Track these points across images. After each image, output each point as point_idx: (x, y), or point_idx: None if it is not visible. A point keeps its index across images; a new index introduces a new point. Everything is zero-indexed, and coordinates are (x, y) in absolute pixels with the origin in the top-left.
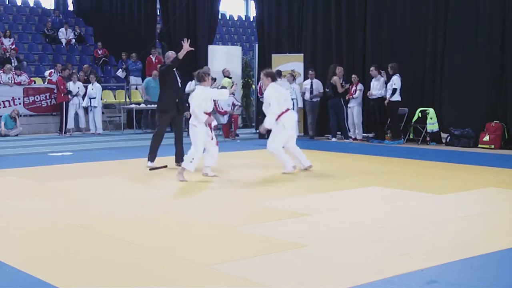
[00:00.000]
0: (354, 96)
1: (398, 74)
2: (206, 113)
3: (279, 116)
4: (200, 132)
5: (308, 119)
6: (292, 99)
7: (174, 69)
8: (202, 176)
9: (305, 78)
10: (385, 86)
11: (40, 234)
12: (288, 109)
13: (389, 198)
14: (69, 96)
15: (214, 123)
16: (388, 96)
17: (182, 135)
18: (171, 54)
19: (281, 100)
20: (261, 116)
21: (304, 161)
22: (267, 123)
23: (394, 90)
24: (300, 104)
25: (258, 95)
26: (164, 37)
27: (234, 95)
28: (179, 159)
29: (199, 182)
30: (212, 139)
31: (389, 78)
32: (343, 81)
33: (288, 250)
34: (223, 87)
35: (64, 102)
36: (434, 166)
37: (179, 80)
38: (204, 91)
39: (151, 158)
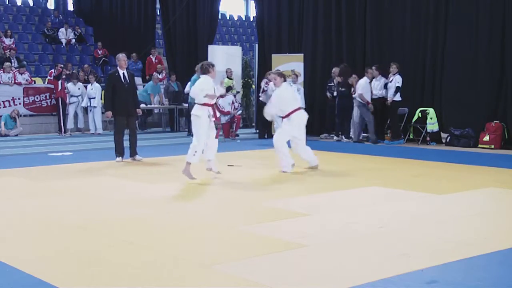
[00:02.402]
0: (353, 96)
1: (399, 74)
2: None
3: (289, 114)
4: (203, 124)
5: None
6: None
7: (120, 72)
8: (206, 171)
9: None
10: (385, 87)
11: (40, 234)
12: (299, 108)
13: (389, 198)
14: (68, 97)
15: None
16: (390, 95)
17: (135, 133)
18: (121, 56)
19: (292, 99)
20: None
21: (312, 161)
22: (268, 110)
23: (397, 89)
24: (303, 105)
25: (259, 95)
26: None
27: (235, 96)
28: (133, 154)
29: (199, 182)
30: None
31: (387, 77)
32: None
33: (288, 250)
34: None
35: (60, 98)
36: (434, 166)
37: (124, 82)
38: (208, 80)
39: (119, 154)
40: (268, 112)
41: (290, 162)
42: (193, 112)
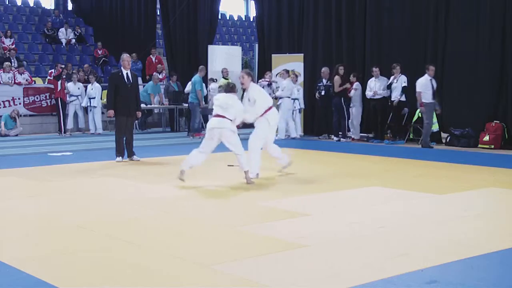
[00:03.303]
0: (349, 95)
1: (403, 74)
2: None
3: (264, 113)
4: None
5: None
6: (295, 99)
7: (123, 72)
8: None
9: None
10: (388, 87)
11: (40, 234)
12: (272, 107)
13: (389, 198)
14: (67, 97)
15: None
16: (398, 95)
17: (132, 134)
18: (125, 57)
19: (266, 97)
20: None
21: (282, 160)
22: (252, 118)
23: (404, 88)
24: (303, 105)
25: None
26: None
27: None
28: (130, 154)
29: (199, 182)
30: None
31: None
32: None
33: (288, 250)
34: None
35: (59, 98)
36: (434, 166)
37: (127, 82)
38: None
39: (119, 154)
40: (255, 118)
41: (257, 170)
42: (231, 128)
